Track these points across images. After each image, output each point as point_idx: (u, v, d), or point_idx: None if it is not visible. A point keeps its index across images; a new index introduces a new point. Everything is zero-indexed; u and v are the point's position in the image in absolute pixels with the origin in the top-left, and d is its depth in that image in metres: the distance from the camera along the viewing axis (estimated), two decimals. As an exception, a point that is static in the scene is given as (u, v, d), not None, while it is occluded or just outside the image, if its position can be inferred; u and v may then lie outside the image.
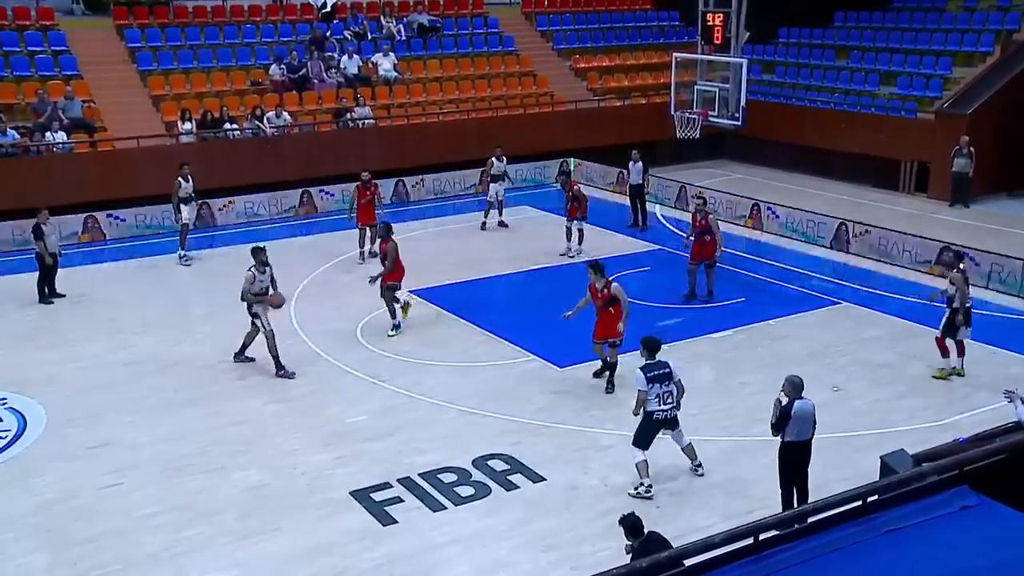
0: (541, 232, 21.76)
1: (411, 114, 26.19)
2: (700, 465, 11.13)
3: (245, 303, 14.06)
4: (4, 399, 13.28)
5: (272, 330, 14.02)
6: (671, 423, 10.78)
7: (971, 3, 28.68)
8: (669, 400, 10.62)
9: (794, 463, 9.86)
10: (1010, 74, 24.21)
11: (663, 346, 11.10)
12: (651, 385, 10.50)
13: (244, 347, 14.49)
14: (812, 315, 16.48)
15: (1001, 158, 24.12)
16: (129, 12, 26.07)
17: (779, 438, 9.84)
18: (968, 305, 13.47)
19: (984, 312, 16.68)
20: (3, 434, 12.31)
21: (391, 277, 15.57)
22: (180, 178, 19.69)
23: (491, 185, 22.04)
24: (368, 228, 19.38)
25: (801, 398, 9.69)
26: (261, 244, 14.45)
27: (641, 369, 10.64)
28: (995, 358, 14.44)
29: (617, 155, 26.36)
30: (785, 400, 9.67)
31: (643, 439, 10.67)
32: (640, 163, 21.79)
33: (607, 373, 13.43)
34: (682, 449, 11.06)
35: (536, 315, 16.44)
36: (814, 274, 18.93)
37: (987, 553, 5.17)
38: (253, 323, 14.13)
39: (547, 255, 19.86)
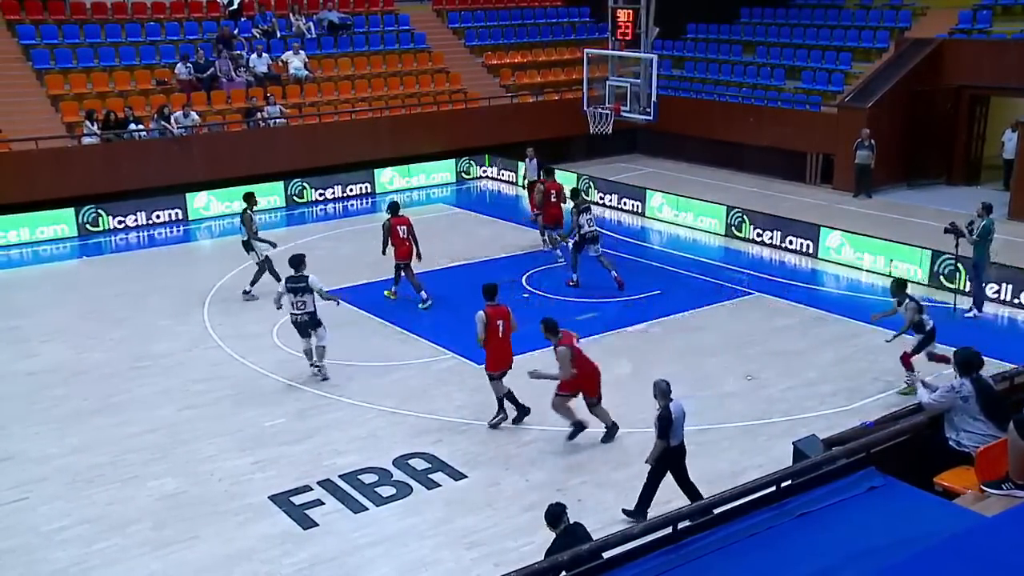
0: (458, 229, 21.75)
1: (323, 112, 25.90)
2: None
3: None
4: (-100, 414, 12.72)
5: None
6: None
7: (867, 1, 29.67)
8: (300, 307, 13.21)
9: (677, 464, 10.06)
10: (904, 69, 25.09)
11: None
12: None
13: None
14: (726, 306, 16.82)
15: (900, 149, 25.02)
16: (20, 7, 25.11)
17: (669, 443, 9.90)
18: (928, 329, 13.07)
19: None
20: (-101, 451, 11.77)
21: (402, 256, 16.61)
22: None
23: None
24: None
25: (672, 400, 9.85)
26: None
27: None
28: (899, 343, 14.92)
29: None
30: (660, 407, 9.82)
31: None
32: (535, 160, 21.92)
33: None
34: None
35: (453, 312, 16.44)
36: (728, 266, 19.33)
37: (892, 531, 5.35)
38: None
39: (463, 252, 19.86)
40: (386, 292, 17.08)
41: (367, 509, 10.42)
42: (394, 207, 16.90)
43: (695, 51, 31.58)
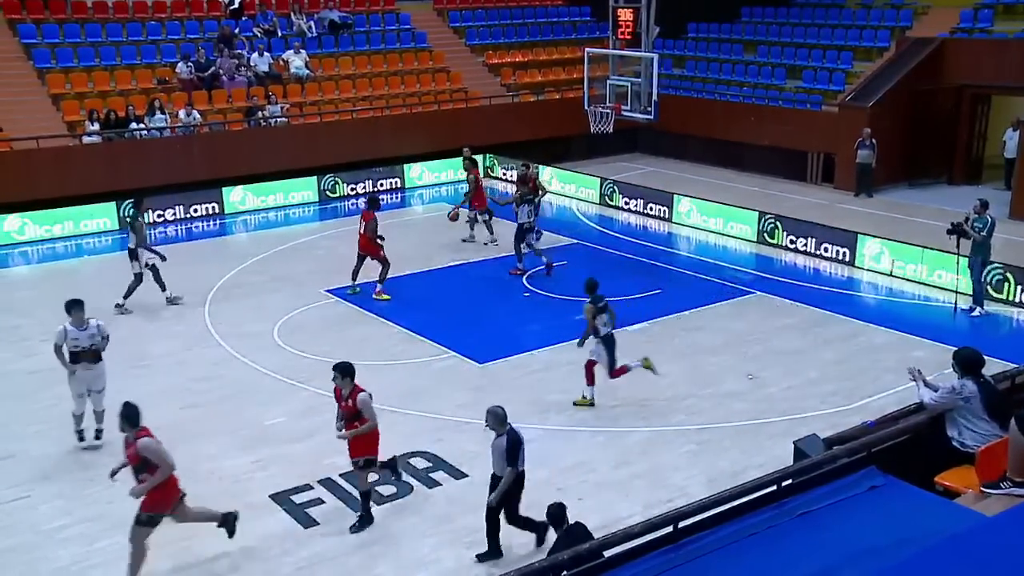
0: (460, 230, 21.73)
1: (324, 111, 25.89)
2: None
3: None
4: (-100, 413, 12.73)
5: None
6: None
7: (868, 0, 29.66)
8: None
9: (518, 492, 9.43)
10: (905, 68, 25.07)
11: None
12: None
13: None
14: (726, 305, 16.81)
15: (901, 148, 25.01)
16: (21, 6, 25.13)
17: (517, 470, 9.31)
18: (604, 335, 12.62)
19: (890, 298, 17.29)
20: (-100, 450, 11.78)
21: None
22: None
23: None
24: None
25: (509, 426, 9.29)
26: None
27: None
28: (900, 342, 14.94)
29: (532, 150, 26.57)
30: (500, 433, 9.25)
31: None
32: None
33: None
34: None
35: (454, 312, 16.45)
36: (729, 265, 19.32)
37: (893, 531, 5.35)
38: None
39: (463, 252, 19.86)
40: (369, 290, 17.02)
41: (368, 508, 10.40)
42: (370, 202, 17.19)
43: (696, 50, 31.57)
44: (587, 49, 23.64)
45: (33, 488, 10.89)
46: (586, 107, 22.56)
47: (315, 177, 24.51)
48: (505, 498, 9.33)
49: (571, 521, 7.89)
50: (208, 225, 22.75)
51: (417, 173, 26.33)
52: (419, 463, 11.35)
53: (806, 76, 27.84)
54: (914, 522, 5.48)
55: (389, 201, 24.51)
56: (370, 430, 9.99)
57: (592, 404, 12.76)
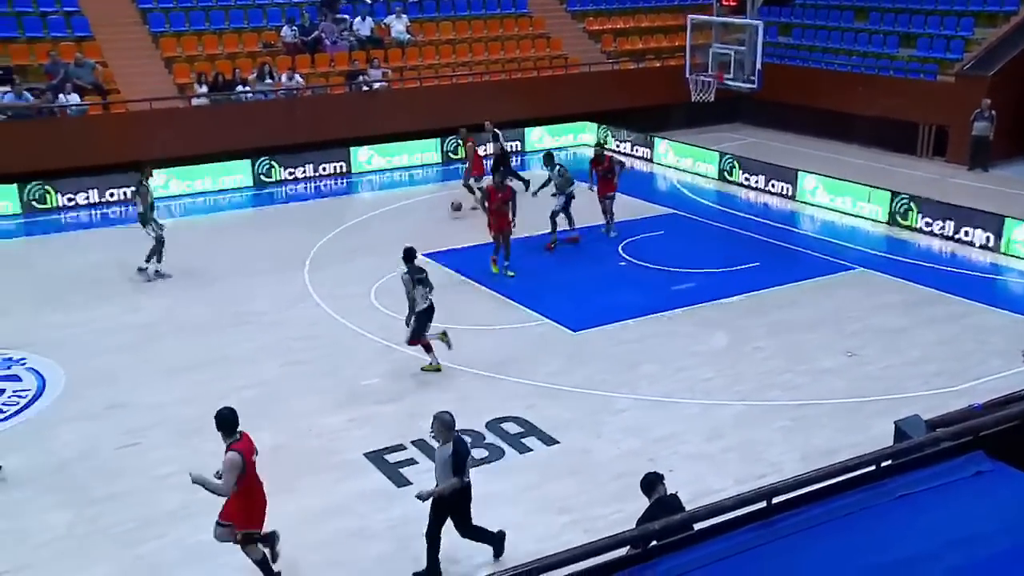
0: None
1: (424, 76, 26.04)
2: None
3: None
4: (23, 359, 13.41)
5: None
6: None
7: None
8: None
9: (463, 508, 8.76)
10: (1034, 35, 23.85)
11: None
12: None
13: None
14: (826, 280, 16.42)
15: (1022, 120, 23.82)
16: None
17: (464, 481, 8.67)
18: (421, 308, 12.63)
19: (998, 277, 16.63)
20: (23, 393, 12.44)
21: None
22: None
23: None
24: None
25: (456, 434, 8.69)
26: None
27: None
28: (1011, 324, 14.37)
29: (630, 119, 26.28)
30: (445, 441, 8.59)
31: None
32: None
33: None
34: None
35: (549, 279, 16.46)
36: (830, 239, 18.84)
37: (1001, 518, 5.17)
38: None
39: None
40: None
41: (459, 470, 10.55)
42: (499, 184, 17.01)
43: (803, 17, 30.57)
44: (690, 16, 23.22)
45: (144, 436, 11.37)
46: (687, 75, 22.20)
47: (438, 139, 25.06)
48: (442, 512, 8.62)
49: (667, 492, 7.83)
50: (335, 184, 23.45)
51: (537, 136, 26.60)
52: (511, 428, 11.45)
53: (921, 44, 26.70)
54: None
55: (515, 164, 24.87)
56: (221, 493, 8.30)
57: (439, 369, 12.85)
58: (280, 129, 23.39)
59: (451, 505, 8.66)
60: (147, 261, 16.63)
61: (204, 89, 23.11)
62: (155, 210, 16.80)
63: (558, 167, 18.37)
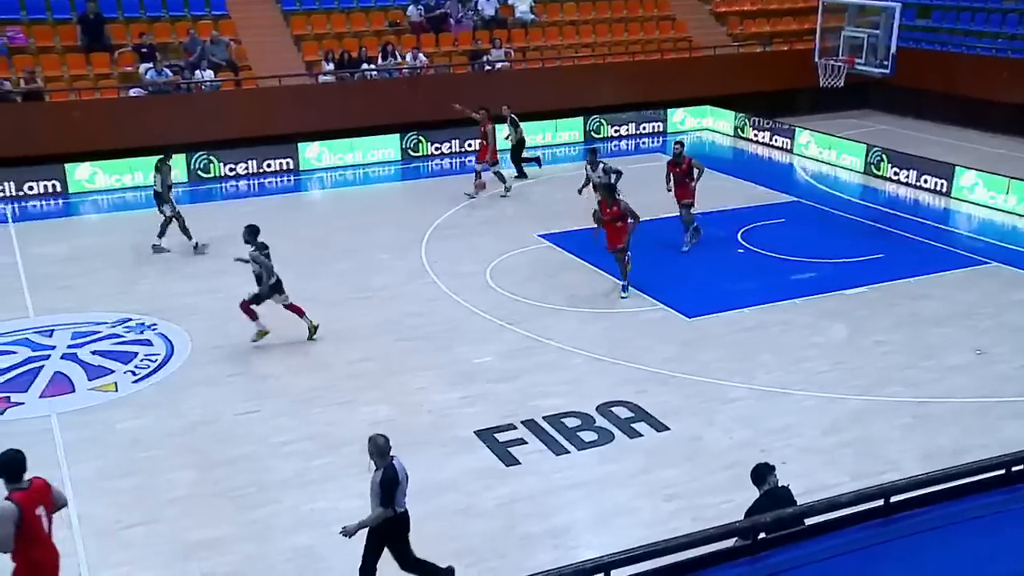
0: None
1: (546, 57, 26.00)
2: None
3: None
4: (154, 324, 14.05)
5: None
6: None
7: None
8: None
9: (400, 537, 8.01)
10: None
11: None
12: None
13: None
14: (956, 274, 15.72)
15: None
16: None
17: (395, 511, 7.86)
18: (272, 281, 13.25)
19: None
20: (154, 357, 13.04)
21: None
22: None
23: None
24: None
25: (393, 458, 7.89)
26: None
27: None
28: None
29: (752, 103, 25.66)
30: (378, 466, 7.83)
31: None
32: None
33: None
34: None
35: (666, 264, 16.27)
36: (961, 231, 18.02)
37: None
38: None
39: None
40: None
41: (568, 452, 10.56)
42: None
43: (945, -1, 29.28)
44: (823, -3, 22.50)
45: (263, 404, 11.77)
46: (816, 59, 21.54)
47: (581, 118, 25.19)
48: (377, 540, 7.93)
49: (778, 484, 7.66)
50: (462, 162, 23.62)
51: (680, 118, 26.51)
52: (621, 412, 11.38)
53: (1071, 28, 25.25)
54: None
55: (648, 145, 25.05)
56: None
57: (267, 332, 13.32)
58: (406, 106, 23.70)
59: (385, 535, 7.94)
60: (188, 237, 17.18)
61: (331, 67, 23.66)
62: (171, 190, 17.23)
63: (601, 164, 17.83)
